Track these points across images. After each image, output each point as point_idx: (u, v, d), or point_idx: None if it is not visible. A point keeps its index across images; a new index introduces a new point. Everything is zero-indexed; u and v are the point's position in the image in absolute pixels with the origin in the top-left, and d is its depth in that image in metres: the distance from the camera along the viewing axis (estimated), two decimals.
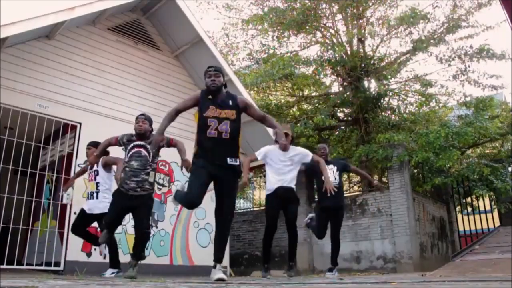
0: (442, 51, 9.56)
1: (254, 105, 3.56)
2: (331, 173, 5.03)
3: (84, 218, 4.88)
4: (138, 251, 4.13)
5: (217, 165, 3.25)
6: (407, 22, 9.20)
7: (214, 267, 3.24)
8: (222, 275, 3.09)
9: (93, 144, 4.96)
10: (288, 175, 4.61)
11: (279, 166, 4.62)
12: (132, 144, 4.23)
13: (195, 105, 3.53)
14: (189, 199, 3.26)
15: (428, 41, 9.36)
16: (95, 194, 4.86)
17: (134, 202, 4.07)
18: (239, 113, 3.43)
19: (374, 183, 5.92)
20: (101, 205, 4.76)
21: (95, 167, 4.89)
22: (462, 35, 9.58)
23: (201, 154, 3.31)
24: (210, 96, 3.41)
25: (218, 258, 3.28)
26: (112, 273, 4.65)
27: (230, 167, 3.27)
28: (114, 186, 4.59)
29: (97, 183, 4.87)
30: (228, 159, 3.25)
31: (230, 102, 3.41)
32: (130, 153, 4.19)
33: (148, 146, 4.21)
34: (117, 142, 4.33)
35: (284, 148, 4.65)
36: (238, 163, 3.32)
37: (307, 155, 4.75)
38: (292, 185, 4.65)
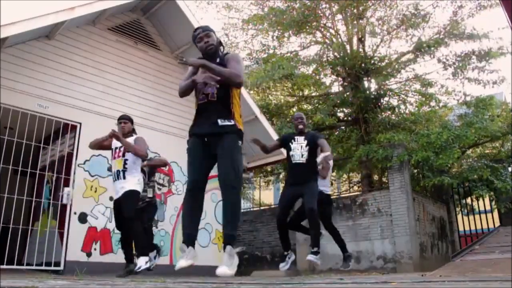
0: (444, 54, 9.58)
1: (235, 61, 2.89)
2: (299, 148, 4.51)
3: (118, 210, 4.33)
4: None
5: (209, 131, 2.83)
6: (408, 22, 9.22)
7: (224, 249, 2.64)
8: (223, 270, 2.49)
9: (128, 118, 4.64)
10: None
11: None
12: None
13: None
14: (189, 184, 2.82)
15: (429, 44, 9.36)
16: (121, 174, 4.33)
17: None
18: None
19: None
20: (127, 184, 4.30)
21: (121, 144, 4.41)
22: (463, 37, 9.57)
23: (194, 123, 2.96)
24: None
25: (225, 236, 2.67)
26: None
27: (222, 127, 2.82)
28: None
29: (125, 160, 4.36)
30: (219, 120, 2.82)
31: (218, 60, 2.93)
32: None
33: (144, 169, 4.83)
34: None
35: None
36: (232, 123, 2.86)
37: None
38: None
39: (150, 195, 4.92)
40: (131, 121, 4.70)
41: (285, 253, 4.67)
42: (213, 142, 2.82)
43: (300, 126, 4.63)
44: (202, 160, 2.83)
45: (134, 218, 4.19)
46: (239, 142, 2.87)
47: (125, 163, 4.34)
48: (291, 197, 4.56)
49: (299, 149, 4.51)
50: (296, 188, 4.45)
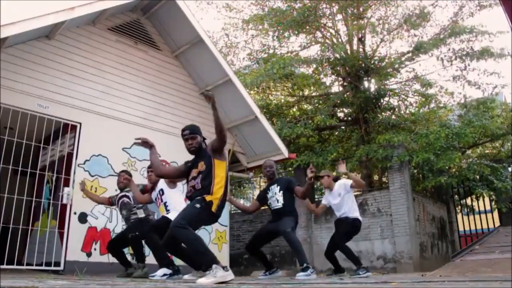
0: (443, 52, 9.58)
1: (213, 141, 3.43)
2: (274, 195, 4.86)
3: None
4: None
5: None
6: (410, 23, 9.22)
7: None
8: (200, 280, 2.91)
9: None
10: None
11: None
12: (118, 197, 5.19)
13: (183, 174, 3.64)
14: None
15: (429, 42, 9.37)
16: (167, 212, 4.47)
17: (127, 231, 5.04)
18: (209, 159, 3.37)
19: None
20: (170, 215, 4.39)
21: (159, 186, 4.57)
22: (463, 38, 9.59)
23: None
24: (189, 163, 3.54)
25: (198, 266, 3.29)
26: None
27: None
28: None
29: (165, 204, 4.51)
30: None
31: (201, 155, 3.44)
32: (119, 204, 5.16)
33: (128, 194, 5.05)
34: (110, 202, 5.31)
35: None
36: (199, 198, 3.28)
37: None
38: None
39: (141, 215, 4.98)
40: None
41: (268, 272, 4.87)
42: None
43: (269, 176, 5.02)
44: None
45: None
46: (197, 205, 3.25)
47: (166, 207, 4.50)
48: (265, 232, 4.94)
49: (274, 197, 4.86)
50: (273, 225, 4.81)
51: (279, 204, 4.79)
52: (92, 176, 6.11)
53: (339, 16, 10.57)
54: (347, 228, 5.22)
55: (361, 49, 10.41)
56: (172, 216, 4.13)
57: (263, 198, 5.07)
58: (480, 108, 9.15)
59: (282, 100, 11.48)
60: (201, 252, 3.07)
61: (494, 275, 3.55)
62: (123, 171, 5.33)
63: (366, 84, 10.22)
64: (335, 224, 5.53)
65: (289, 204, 4.83)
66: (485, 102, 9.21)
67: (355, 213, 5.29)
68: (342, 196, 5.25)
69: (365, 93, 9.67)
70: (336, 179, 5.46)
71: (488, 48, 8.92)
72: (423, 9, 9.64)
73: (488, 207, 9.60)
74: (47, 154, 6.27)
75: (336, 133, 11.17)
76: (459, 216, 9.96)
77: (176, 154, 6.60)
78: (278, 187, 4.87)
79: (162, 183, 4.56)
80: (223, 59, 7.57)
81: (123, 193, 5.14)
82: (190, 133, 3.44)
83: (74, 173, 5.93)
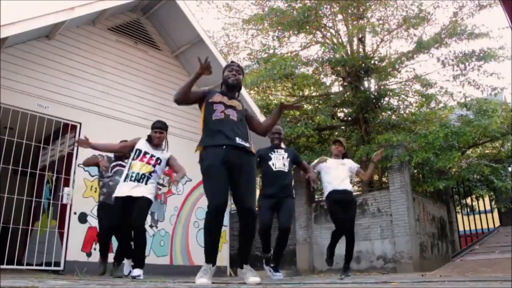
0: (444, 54, 9.57)
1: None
2: (280, 158, 4.51)
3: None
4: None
5: (227, 148, 2.78)
6: (411, 23, 9.21)
7: (241, 267, 2.85)
8: (256, 279, 2.69)
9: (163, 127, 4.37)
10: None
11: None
12: (113, 164, 4.99)
13: (199, 98, 3.06)
14: (214, 209, 2.70)
15: (429, 42, 9.37)
16: (145, 179, 4.10)
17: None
18: (245, 111, 3.09)
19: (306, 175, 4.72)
20: (147, 190, 4.10)
21: (157, 155, 4.25)
22: (464, 36, 9.58)
23: (208, 141, 2.84)
24: (219, 90, 3.11)
25: (244, 259, 2.86)
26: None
27: (242, 147, 2.83)
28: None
29: (152, 172, 4.18)
30: (237, 138, 2.81)
31: (237, 98, 3.12)
32: (114, 170, 4.94)
33: (124, 164, 4.86)
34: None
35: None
36: (249, 145, 2.89)
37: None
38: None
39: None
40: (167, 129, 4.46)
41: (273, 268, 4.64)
42: (231, 160, 2.77)
43: (276, 142, 4.68)
44: (226, 181, 2.78)
45: (144, 229, 4.08)
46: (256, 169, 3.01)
47: (150, 174, 4.15)
48: (270, 215, 4.43)
49: (280, 159, 4.50)
50: (273, 202, 4.40)
51: (285, 168, 4.47)
52: (92, 176, 6.11)
53: (340, 16, 10.58)
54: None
55: (361, 49, 10.41)
56: (147, 192, 4.07)
57: (263, 157, 4.58)
58: (481, 110, 9.13)
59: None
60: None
61: (494, 275, 3.55)
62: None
63: (366, 84, 10.23)
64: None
65: (292, 174, 4.59)
66: (486, 110, 9.15)
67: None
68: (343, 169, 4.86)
69: (365, 93, 9.66)
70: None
71: (489, 52, 8.90)
72: (422, 7, 9.64)
73: (488, 207, 9.60)
74: (47, 154, 6.28)
75: (336, 133, 11.16)
76: (459, 216, 9.95)
77: (176, 154, 6.59)
78: (286, 153, 4.59)
79: (142, 145, 4.24)
80: (223, 59, 7.57)
81: (120, 162, 4.96)
82: (239, 67, 3.17)
83: (74, 173, 5.94)
